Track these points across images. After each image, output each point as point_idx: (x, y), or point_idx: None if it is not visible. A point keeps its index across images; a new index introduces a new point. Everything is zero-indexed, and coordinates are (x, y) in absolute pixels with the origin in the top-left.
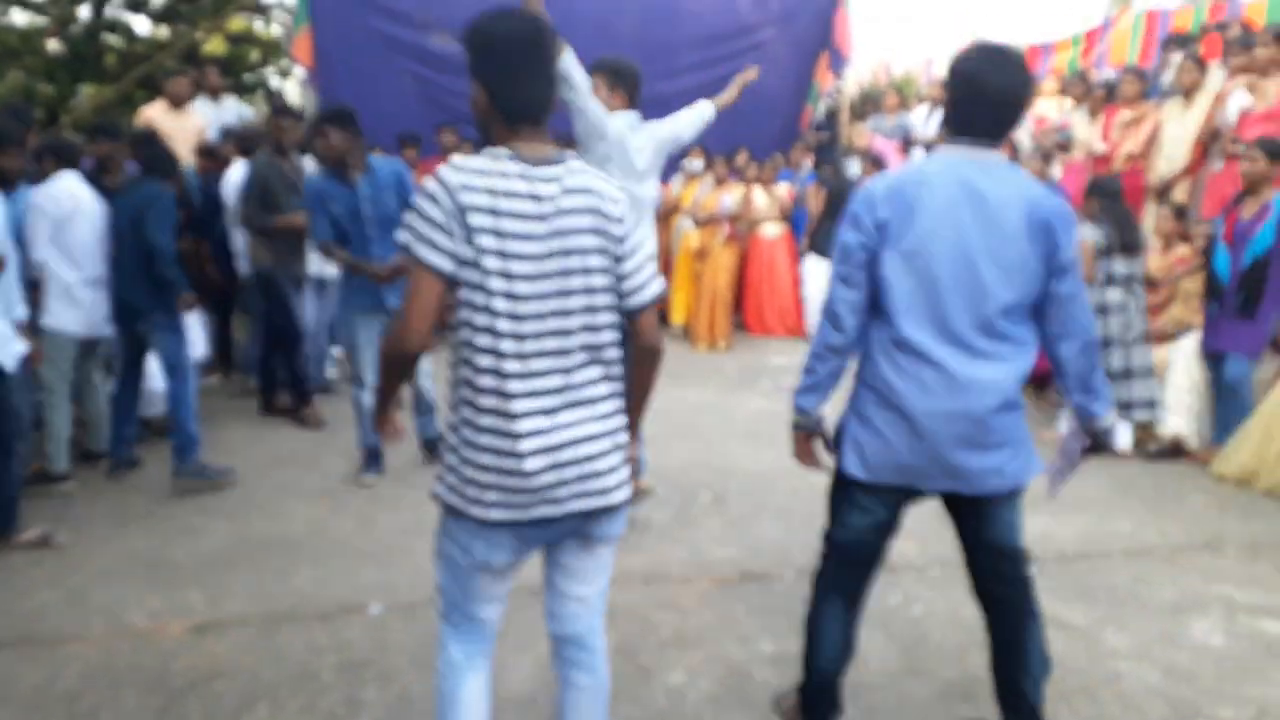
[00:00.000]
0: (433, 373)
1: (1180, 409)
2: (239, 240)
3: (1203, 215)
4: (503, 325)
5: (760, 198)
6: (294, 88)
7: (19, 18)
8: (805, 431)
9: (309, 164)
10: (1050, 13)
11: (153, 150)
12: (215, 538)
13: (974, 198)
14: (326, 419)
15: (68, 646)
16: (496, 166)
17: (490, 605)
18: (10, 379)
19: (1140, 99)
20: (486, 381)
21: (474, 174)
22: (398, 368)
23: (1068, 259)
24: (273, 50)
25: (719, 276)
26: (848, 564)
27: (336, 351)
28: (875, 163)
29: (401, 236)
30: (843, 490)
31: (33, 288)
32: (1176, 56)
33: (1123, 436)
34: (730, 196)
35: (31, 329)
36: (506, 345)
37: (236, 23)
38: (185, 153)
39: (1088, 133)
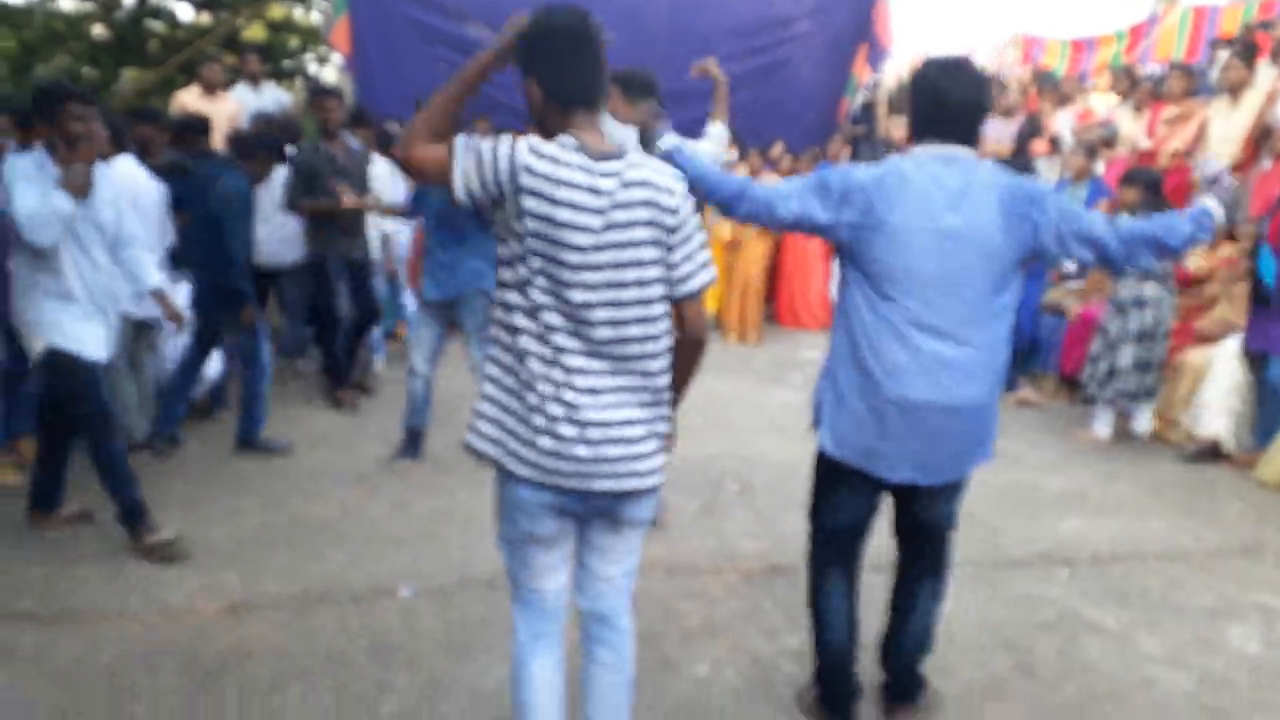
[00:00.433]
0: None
1: (1221, 411)
2: (265, 227)
3: (1250, 215)
4: (546, 306)
5: None
6: (332, 74)
7: (65, 3)
8: None
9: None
10: (1095, 7)
11: (245, 141)
12: (251, 519)
13: (948, 191)
14: (360, 404)
15: (106, 623)
16: (564, 155)
17: (547, 577)
18: (97, 368)
19: (1187, 95)
20: (530, 359)
21: (545, 160)
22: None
23: (1058, 219)
24: (311, 37)
25: (751, 268)
26: (836, 541)
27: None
28: None
29: (460, 190)
30: (823, 467)
31: None
32: (1224, 54)
33: (1102, 425)
34: None
35: None
36: (552, 326)
37: (276, 9)
38: (219, 139)
39: (1132, 128)
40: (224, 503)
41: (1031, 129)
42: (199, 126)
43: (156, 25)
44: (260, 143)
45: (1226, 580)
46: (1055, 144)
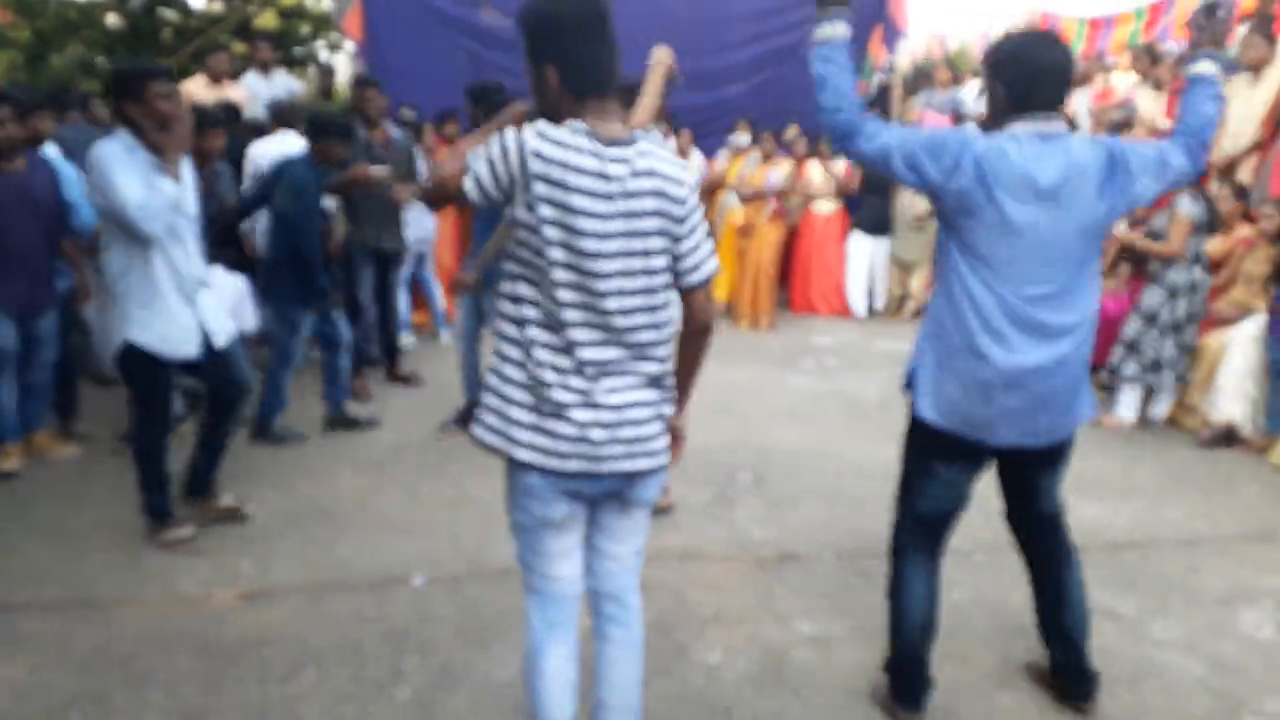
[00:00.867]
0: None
1: (1237, 395)
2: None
3: (1271, 194)
4: (562, 294)
5: (816, 173)
6: (344, 61)
7: None
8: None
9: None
10: None
11: (314, 124)
12: (264, 507)
13: (1049, 168)
14: (375, 392)
15: (122, 610)
16: (574, 141)
17: (561, 563)
18: (170, 369)
19: None
20: (536, 347)
21: (552, 144)
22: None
23: (1140, 172)
24: (323, 24)
25: (763, 253)
26: (926, 524)
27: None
28: None
29: (471, 160)
30: (920, 440)
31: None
32: (1243, 31)
33: (1126, 409)
34: (777, 172)
35: None
36: (565, 314)
37: None
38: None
39: (1152, 108)
40: (235, 490)
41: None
42: (214, 118)
43: (169, 14)
44: (329, 126)
45: (1242, 565)
46: (1072, 124)
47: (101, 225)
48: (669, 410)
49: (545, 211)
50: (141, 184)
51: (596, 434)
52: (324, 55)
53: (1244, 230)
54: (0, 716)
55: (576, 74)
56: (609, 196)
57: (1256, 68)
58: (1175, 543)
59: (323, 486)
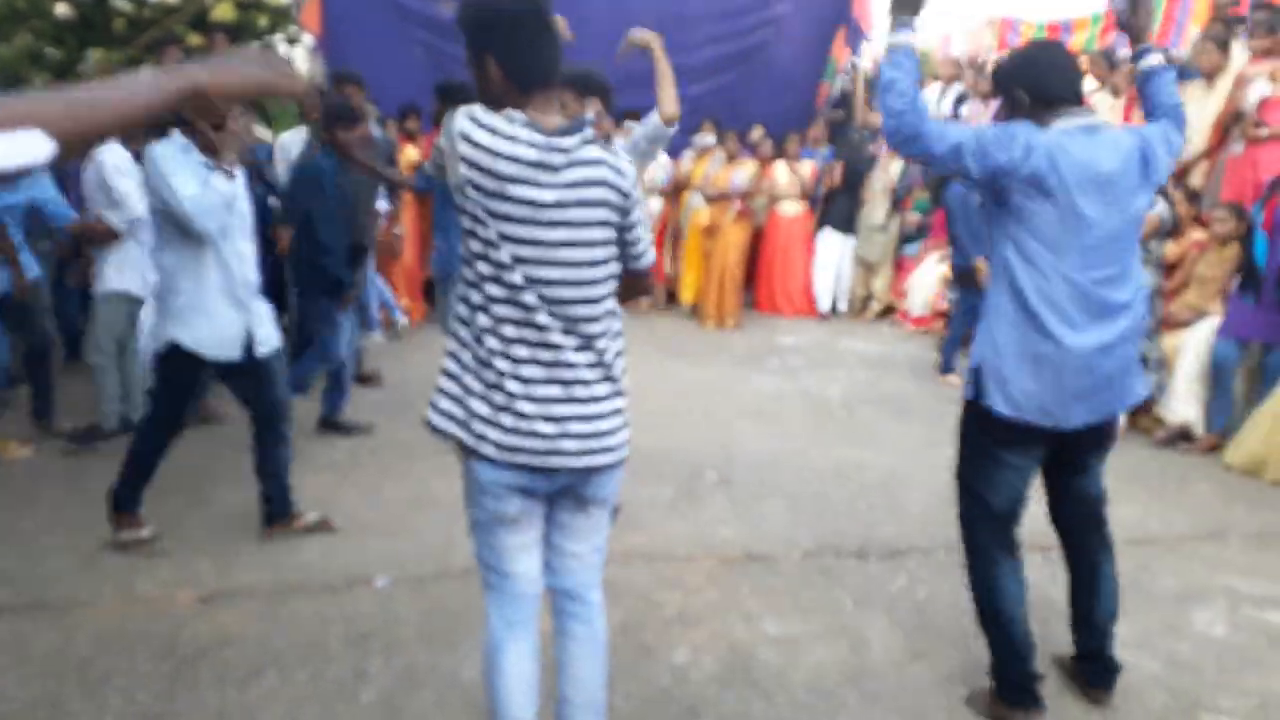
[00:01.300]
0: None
1: (1190, 397)
2: None
3: (1221, 199)
4: (510, 281)
5: (782, 174)
6: (302, 55)
7: None
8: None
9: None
10: None
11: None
12: (223, 508)
13: (1102, 156)
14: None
15: (80, 612)
16: (509, 130)
17: (518, 559)
18: (265, 366)
19: None
20: (487, 335)
21: (484, 131)
22: None
23: (1166, 143)
24: (281, 17)
25: (729, 254)
26: (1002, 520)
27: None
28: None
29: (426, 165)
30: (991, 434)
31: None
32: (1196, 36)
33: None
34: (742, 173)
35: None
36: (516, 304)
37: None
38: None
39: (1109, 114)
40: (194, 491)
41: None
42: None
43: (122, 4)
44: (346, 114)
45: (1195, 563)
46: None
47: (157, 225)
48: (624, 404)
49: (476, 197)
50: (197, 182)
51: (546, 428)
52: (282, 49)
53: (1197, 234)
54: None
55: (519, 67)
56: (550, 186)
57: (1210, 75)
58: (1128, 542)
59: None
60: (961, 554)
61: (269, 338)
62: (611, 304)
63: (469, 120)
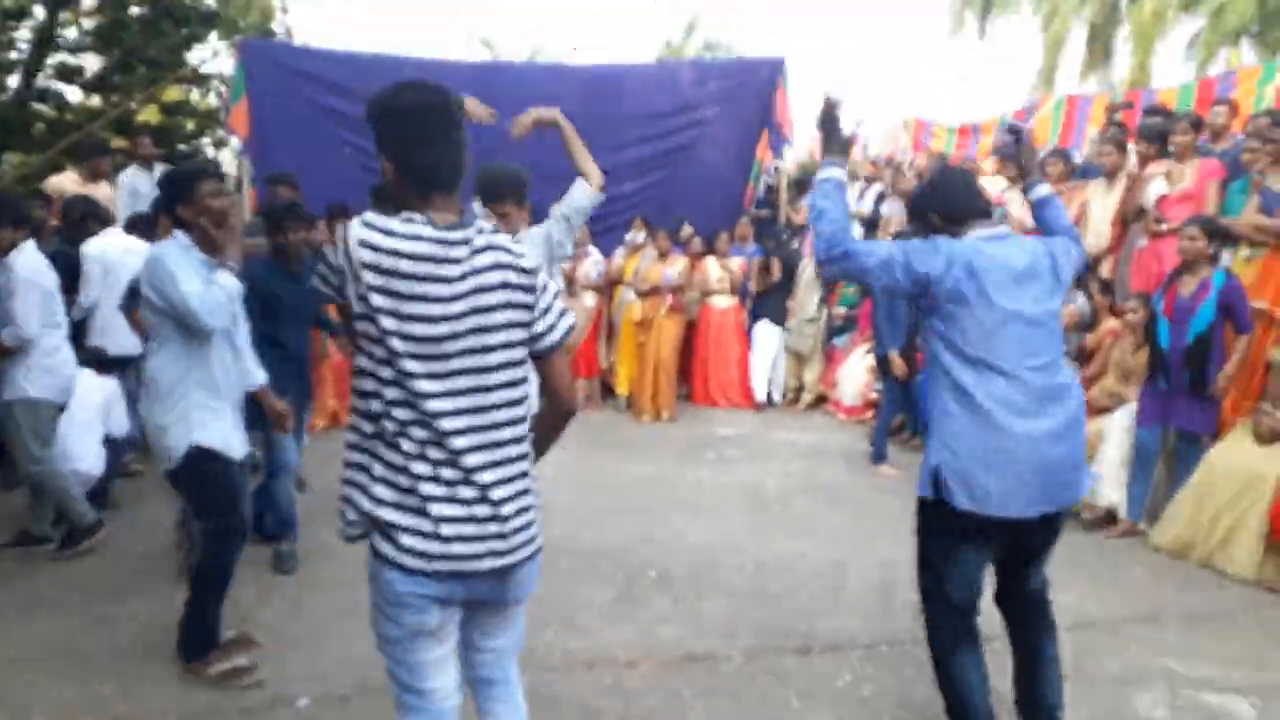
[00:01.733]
0: None
1: (1114, 481)
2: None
3: (1131, 289)
4: (418, 383)
5: (714, 269)
6: (229, 158)
7: None
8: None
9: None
10: (976, 96)
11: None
12: (132, 626)
13: (1015, 255)
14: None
15: None
16: (406, 229)
17: (439, 674)
18: (242, 472)
19: (1065, 178)
20: (399, 436)
21: (380, 233)
22: None
23: (1069, 259)
24: (207, 120)
25: (663, 347)
26: (962, 611)
27: None
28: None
29: (313, 282)
30: (950, 532)
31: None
32: (1094, 136)
33: None
34: (673, 269)
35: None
36: (427, 402)
37: (172, 93)
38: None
39: (1020, 211)
40: (99, 608)
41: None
42: (97, 212)
43: (44, 108)
44: (290, 213)
45: (1133, 646)
46: None
47: (153, 327)
48: (535, 495)
49: (379, 301)
50: (201, 281)
51: (469, 529)
52: (210, 152)
53: (1111, 323)
54: None
55: (413, 170)
56: (451, 280)
57: (1111, 174)
58: (1069, 627)
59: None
60: (904, 647)
61: (242, 441)
62: (528, 389)
63: (364, 227)
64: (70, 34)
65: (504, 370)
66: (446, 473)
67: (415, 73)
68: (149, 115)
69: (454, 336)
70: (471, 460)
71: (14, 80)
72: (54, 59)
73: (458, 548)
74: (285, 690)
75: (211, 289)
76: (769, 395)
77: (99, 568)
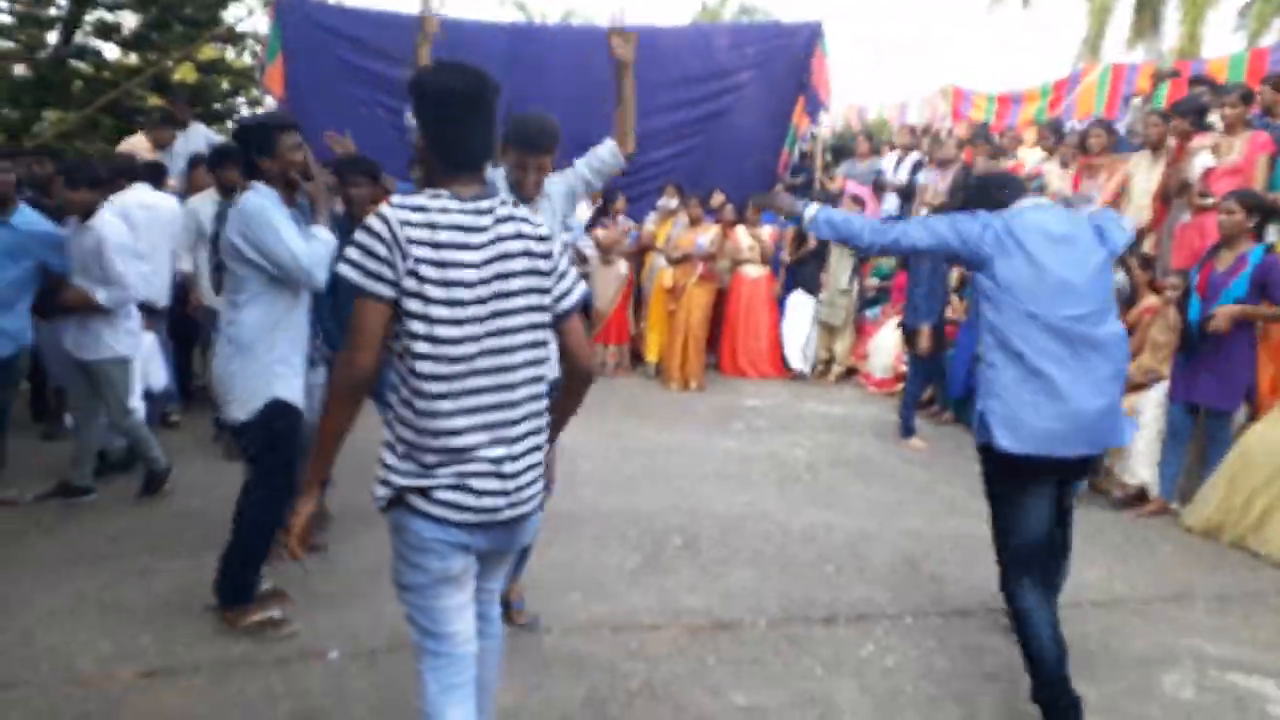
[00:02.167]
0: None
1: (1148, 459)
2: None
3: (1172, 266)
4: (451, 348)
5: (744, 238)
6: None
7: None
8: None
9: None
10: (1021, 63)
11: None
12: (169, 579)
13: (1058, 221)
14: None
15: (13, 691)
16: (435, 204)
17: (459, 618)
18: (304, 425)
19: (1108, 151)
20: (435, 401)
21: (414, 211)
22: (350, 398)
23: (1119, 231)
24: (243, 80)
25: (693, 315)
26: (1029, 552)
27: None
28: (856, 202)
29: (343, 269)
30: (1005, 474)
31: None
32: (1138, 103)
33: None
34: (705, 236)
35: None
36: (449, 367)
37: (208, 51)
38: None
39: (1060, 183)
40: (137, 561)
41: (965, 179)
42: (134, 168)
43: (82, 66)
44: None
45: (1160, 626)
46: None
47: (240, 280)
48: (545, 451)
49: (427, 271)
50: (299, 234)
51: (494, 484)
52: (245, 111)
53: (1150, 299)
54: None
55: (445, 151)
56: (480, 246)
57: (1155, 146)
58: (1096, 605)
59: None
60: (929, 619)
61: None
62: (548, 351)
63: (400, 209)
64: None
65: (527, 332)
66: (480, 435)
67: (449, 34)
68: (185, 74)
69: (483, 301)
70: (501, 416)
71: (53, 37)
72: (92, 15)
73: (487, 501)
74: (316, 644)
75: (313, 243)
76: (800, 367)
77: (137, 521)
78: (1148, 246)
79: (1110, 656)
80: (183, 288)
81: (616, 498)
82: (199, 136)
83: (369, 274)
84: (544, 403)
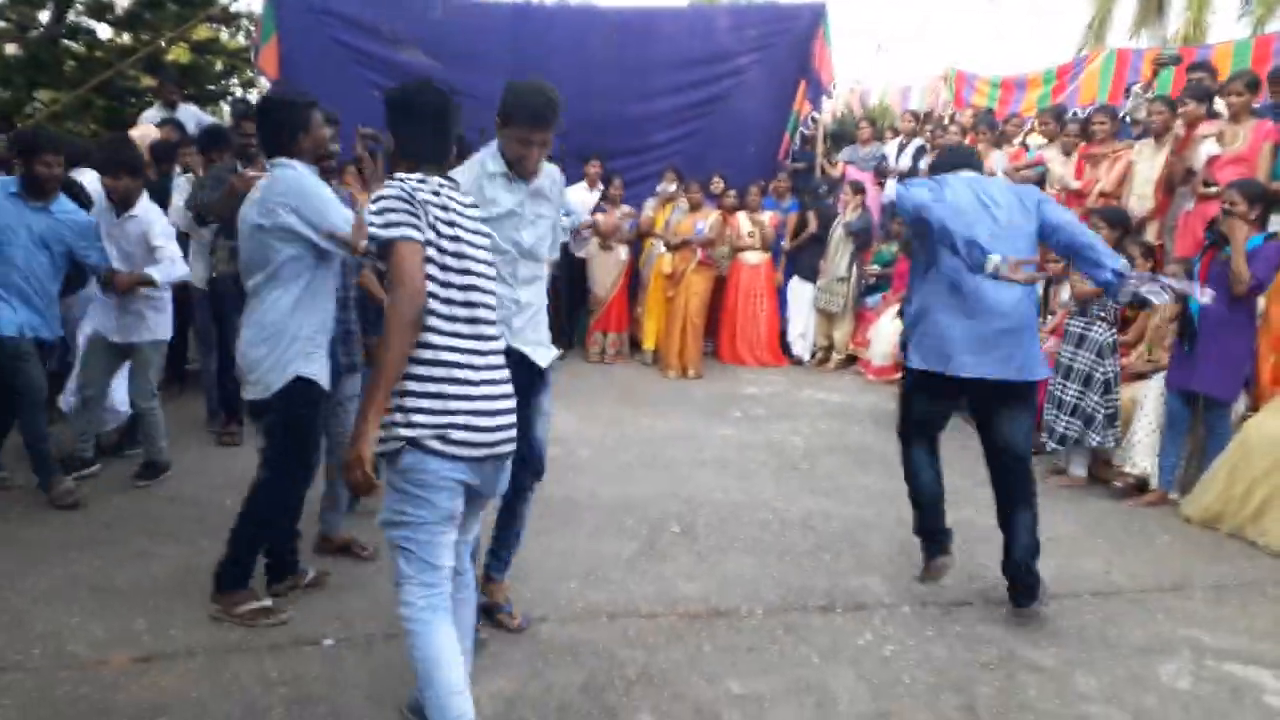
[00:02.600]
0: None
1: (1149, 449)
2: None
3: (1176, 254)
4: (454, 293)
5: (744, 224)
6: (258, 99)
7: None
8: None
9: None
10: (1022, 49)
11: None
12: (163, 563)
13: (980, 186)
14: None
15: (6, 675)
16: (430, 184)
17: (450, 555)
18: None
19: (1112, 138)
20: (439, 338)
21: (418, 181)
22: (411, 327)
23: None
24: (237, 60)
25: (691, 301)
26: (916, 426)
27: None
28: (857, 189)
29: (375, 230)
30: (908, 382)
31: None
32: (1140, 91)
33: (1078, 467)
34: (704, 222)
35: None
36: (457, 309)
37: (202, 31)
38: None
39: (1062, 169)
40: (131, 545)
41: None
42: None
43: (75, 46)
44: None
45: (1159, 616)
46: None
47: (271, 260)
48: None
49: (443, 228)
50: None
51: (487, 421)
52: (239, 92)
53: None
54: None
55: (412, 149)
56: (470, 218)
57: (1159, 134)
58: (1094, 594)
59: (225, 541)
60: (926, 609)
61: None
62: (493, 300)
63: (405, 181)
64: None
65: (490, 281)
66: (485, 374)
67: (444, 14)
68: (178, 54)
69: (463, 256)
70: (487, 360)
71: (45, 16)
72: None
73: (487, 436)
74: (311, 631)
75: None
76: (799, 353)
77: (133, 506)
78: (1150, 235)
79: (1108, 646)
80: None
81: (614, 485)
82: (188, 117)
83: (401, 224)
84: (500, 348)
